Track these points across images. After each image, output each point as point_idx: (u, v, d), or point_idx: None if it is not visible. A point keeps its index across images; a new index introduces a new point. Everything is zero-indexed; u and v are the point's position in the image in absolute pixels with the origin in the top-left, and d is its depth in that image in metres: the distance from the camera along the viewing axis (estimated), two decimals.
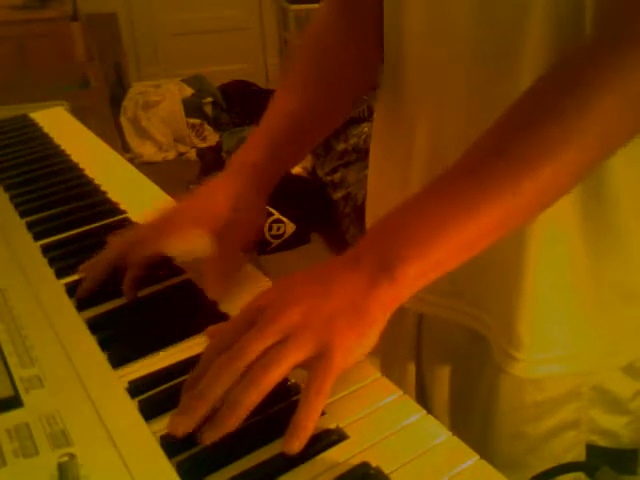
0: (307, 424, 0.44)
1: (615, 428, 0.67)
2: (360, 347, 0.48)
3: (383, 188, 0.78)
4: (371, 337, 0.48)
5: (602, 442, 0.67)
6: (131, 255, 0.64)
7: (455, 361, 0.74)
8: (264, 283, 0.66)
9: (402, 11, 0.65)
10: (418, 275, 0.49)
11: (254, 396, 0.45)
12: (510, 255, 0.62)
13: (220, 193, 0.68)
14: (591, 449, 0.67)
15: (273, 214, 2.64)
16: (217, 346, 0.49)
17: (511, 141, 0.49)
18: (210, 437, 0.45)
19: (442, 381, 0.76)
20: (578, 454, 0.67)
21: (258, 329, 0.47)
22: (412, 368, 0.79)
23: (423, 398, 0.78)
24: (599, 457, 0.67)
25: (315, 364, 0.46)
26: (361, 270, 0.49)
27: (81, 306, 0.63)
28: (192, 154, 3.56)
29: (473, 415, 0.72)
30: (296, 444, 0.44)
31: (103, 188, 0.87)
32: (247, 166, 0.69)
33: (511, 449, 0.68)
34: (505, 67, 0.58)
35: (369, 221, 0.82)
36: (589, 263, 0.62)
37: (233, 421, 0.45)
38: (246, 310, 0.50)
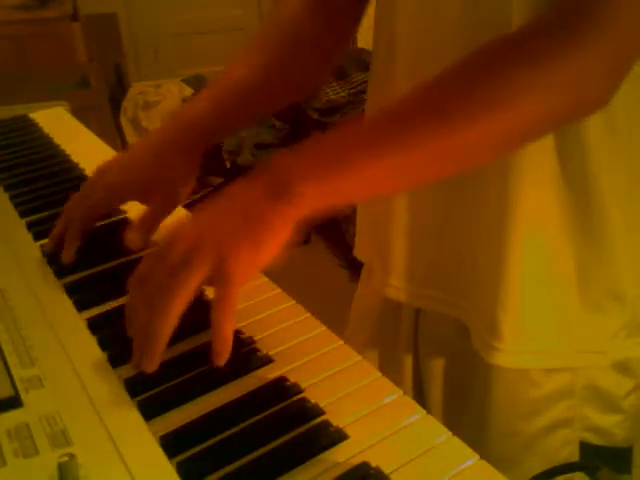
0: (224, 340, 0.49)
1: (608, 426, 0.67)
2: (258, 255, 0.49)
3: None
4: (269, 245, 0.49)
5: (595, 440, 0.68)
6: (74, 212, 0.69)
7: (450, 358, 0.75)
8: (264, 283, 0.66)
9: (395, 6, 0.66)
10: (316, 195, 0.49)
11: (164, 322, 0.49)
12: (493, 247, 0.63)
13: (150, 147, 0.70)
14: (585, 447, 0.67)
15: None
16: (133, 283, 0.53)
17: (435, 99, 0.51)
18: (146, 364, 0.50)
19: (437, 378, 0.76)
20: (571, 452, 0.67)
21: (159, 262, 0.51)
22: (409, 364, 0.79)
23: (421, 395, 0.78)
24: (593, 455, 0.67)
25: (216, 280, 0.49)
26: (259, 186, 0.50)
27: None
28: None
29: (467, 412, 0.72)
30: (221, 358, 0.49)
31: None
32: (186, 121, 0.71)
33: (505, 446, 0.68)
34: None
35: (361, 216, 0.82)
36: (573, 260, 0.62)
37: (153, 349, 0.50)
38: (155, 251, 0.53)
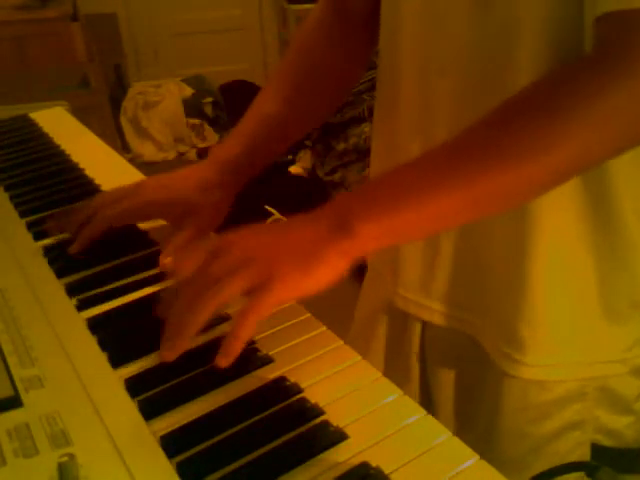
0: (235, 343, 0.49)
1: (619, 428, 0.67)
2: (303, 283, 0.51)
3: None
4: (318, 277, 0.51)
5: (606, 442, 0.67)
6: (97, 214, 0.69)
7: (459, 363, 0.74)
8: None
9: (399, 18, 0.66)
10: (373, 234, 0.51)
11: (199, 314, 0.50)
12: (512, 261, 0.63)
13: (192, 177, 0.72)
14: (596, 449, 0.67)
15: (273, 214, 2.64)
16: (183, 279, 0.54)
17: (490, 137, 0.51)
18: (167, 351, 0.51)
19: (447, 383, 0.76)
20: (582, 454, 0.67)
21: (212, 263, 0.52)
22: (416, 370, 0.79)
23: (429, 399, 0.78)
24: (603, 457, 0.67)
25: (256, 292, 0.50)
26: (320, 222, 0.52)
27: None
28: (192, 154, 3.56)
29: (478, 416, 0.72)
30: (224, 360, 0.49)
31: (103, 188, 0.87)
32: (222, 160, 0.74)
33: (515, 449, 0.68)
34: (493, 81, 0.59)
35: None
36: (594, 272, 0.62)
37: (183, 335, 0.51)
38: (211, 245, 0.54)
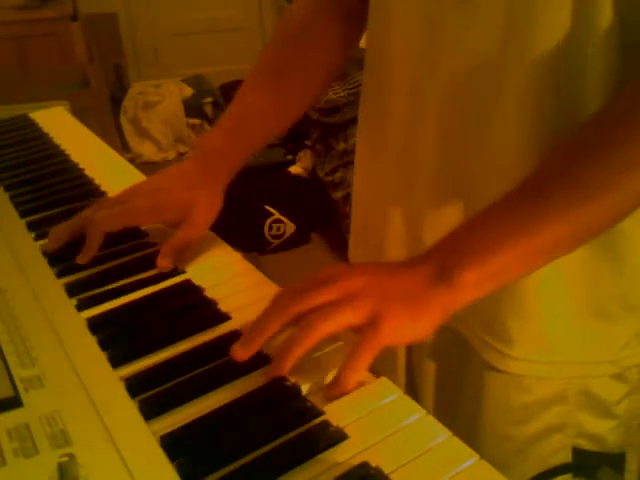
0: (347, 380, 0.49)
1: (601, 432, 0.67)
2: (410, 329, 0.51)
3: (369, 188, 0.79)
4: (422, 326, 0.51)
5: (588, 446, 0.67)
6: (91, 225, 0.69)
7: (442, 362, 0.74)
8: (264, 283, 0.66)
9: (389, 18, 0.66)
10: (475, 282, 0.51)
11: (307, 339, 0.49)
12: None
13: (180, 176, 0.73)
14: (577, 453, 0.67)
15: (273, 214, 2.64)
16: (285, 292, 0.53)
17: (577, 165, 0.51)
18: (272, 373, 0.51)
19: (430, 382, 0.76)
20: (564, 457, 0.67)
21: (323, 285, 0.51)
22: (402, 369, 0.79)
23: (414, 397, 0.78)
24: (585, 461, 0.67)
25: (365, 330, 0.49)
26: (424, 270, 0.52)
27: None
28: None
29: (460, 416, 0.72)
30: (334, 393, 0.50)
31: (103, 188, 0.87)
32: (206, 151, 0.73)
33: (497, 451, 0.68)
34: (484, 83, 0.59)
35: (355, 222, 0.82)
36: (586, 272, 0.62)
37: (287, 358, 0.50)
38: (318, 274, 0.53)
